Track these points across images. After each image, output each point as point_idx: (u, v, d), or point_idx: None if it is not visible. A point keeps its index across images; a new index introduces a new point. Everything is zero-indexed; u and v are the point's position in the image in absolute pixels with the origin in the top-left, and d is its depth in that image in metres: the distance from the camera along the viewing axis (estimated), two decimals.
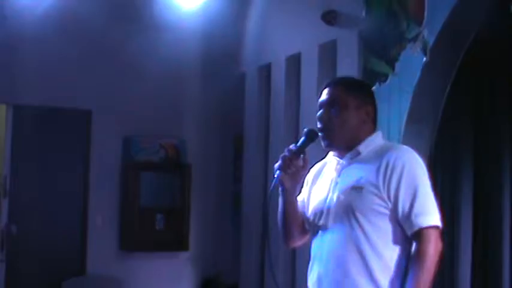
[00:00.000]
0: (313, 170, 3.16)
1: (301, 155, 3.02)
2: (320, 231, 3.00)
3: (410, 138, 4.48)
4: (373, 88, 4.84)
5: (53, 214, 7.14)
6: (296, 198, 3.11)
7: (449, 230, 4.29)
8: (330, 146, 3.04)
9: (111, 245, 7.33)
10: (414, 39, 4.55)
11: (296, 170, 3.01)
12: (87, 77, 7.16)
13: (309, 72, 6.06)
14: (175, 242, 7.44)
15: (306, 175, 3.11)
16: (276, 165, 3.02)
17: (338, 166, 3.02)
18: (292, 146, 3.03)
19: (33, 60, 6.89)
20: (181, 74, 7.61)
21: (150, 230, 7.33)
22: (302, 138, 3.04)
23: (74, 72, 7.11)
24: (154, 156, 7.46)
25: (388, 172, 2.86)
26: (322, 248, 2.99)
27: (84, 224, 7.27)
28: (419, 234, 2.83)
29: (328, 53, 5.81)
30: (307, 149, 3.06)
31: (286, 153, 3.00)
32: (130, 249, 7.33)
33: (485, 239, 4.17)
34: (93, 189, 7.30)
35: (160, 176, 7.46)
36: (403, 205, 2.85)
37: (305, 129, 3.07)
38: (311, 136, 3.04)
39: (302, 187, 3.18)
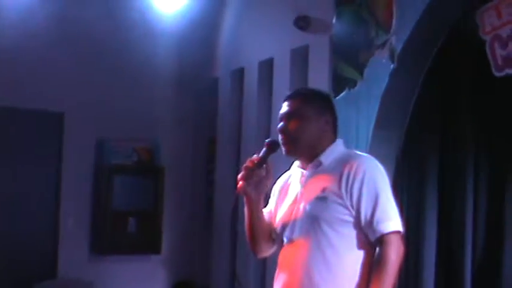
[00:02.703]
0: (279, 182, 3.25)
1: (264, 165, 3.08)
2: (287, 242, 3.07)
3: (377, 144, 4.53)
4: (342, 94, 4.92)
5: (24, 217, 7.09)
6: (261, 209, 3.17)
7: (414, 234, 4.34)
8: (291, 155, 3.10)
9: (83, 248, 7.31)
10: (382, 46, 4.60)
11: (259, 179, 3.08)
12: (60, 78, 7.12)
13: (281, 76, 6.10)
14: (147, 245, 7.43)
15: (271, 185, 3.18)
16: (239, 176, 3.07)
17: (302, 178, 3.10)
18: (254, 156, 3.10)
19: (3, 60, 6.84)
20: (155, 77, 7.60)
21: (123, 233, 7.31)
22: (264, 149, 3.11)
23: (46, 73, 7.06)
24: (127, 160, 7.44)
25: (350, 181, 2.93)
26: (288, 258, 3.05)
27: (56, 227, 7.23)
28: (381, 240, 2.90)
29: (300, 58, 5.86)
30: (274, 160, 3.13)
31: (248, 163, 3.07)
32: (102, 253, 7.32)
33: (449, 242, 4.23)
34: (65, 192, 7.27)
35: (133, 179, 7.45)
36: (365, 212, 2.92)
37: (266, 140, 3.15)
38: (273, 147, 3.11)
39: (269, 198, 3.24)
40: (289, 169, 3.24)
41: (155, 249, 7.49)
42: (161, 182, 7.50)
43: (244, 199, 3.13)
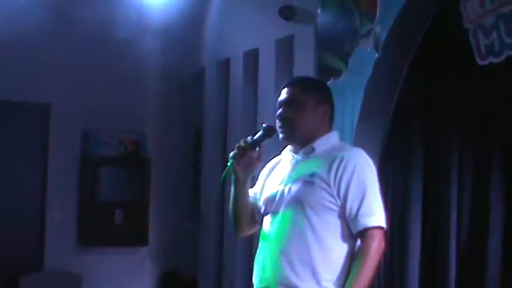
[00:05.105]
0: (269, 165, 3.28)
1: (257, 148, 3.11)
2: (269, 219, 3.10)
3: (362, 134, 4.53)
4: (328, 83, 4.90)
5: (11, 209, 7.05)
6: (247, 190, 3.20)
7: (399, 225, 4.34)
8: (287, 141, 3.14)
9: (70, 240, 7.30)
10: (367, 35, 4.59)
11: (250, 161, 3.13)
12: (46, 70, 7.10)
13: (267, 67, 6.11)
14: (134, 236, 7.43)
15: (260, 168, 3.22)
16: (231, 154, 3.10)
17: (293, 160, 3.13)
18: (248, 138, 3.13)
19: None
20: (141, 68, 7.58)
21: (109, 224, 7.30)
22: (260, 132, 3.14)
23: (33, 65, 7.03)
24: (113, 151, 7.42)
25: (340, 171, 2.95)
26: (269, 235, 3.08)
27: (43, 219, 7.21)
28: (364, 234, 2.93)
29: (285, 48, 5.85)
30: (264, 145, 3.15)
31: (241, 143, 3.10)
32: (89, 244, 7.30)
33: (434, 234, 4.23)
34: (52, 183, 7.24)
35: (119, 170, 7.43)
36: (351, 205, 2.94)
37: (264, 125, 3.17)
38: (269, 132, 3.15)
39: (256, 180, 3.26)
40: (280, 154, 3.26)
41: (142, 241, 7.49)
42: (148, 173, 7.49)
43: (232, 177, 3.15)
